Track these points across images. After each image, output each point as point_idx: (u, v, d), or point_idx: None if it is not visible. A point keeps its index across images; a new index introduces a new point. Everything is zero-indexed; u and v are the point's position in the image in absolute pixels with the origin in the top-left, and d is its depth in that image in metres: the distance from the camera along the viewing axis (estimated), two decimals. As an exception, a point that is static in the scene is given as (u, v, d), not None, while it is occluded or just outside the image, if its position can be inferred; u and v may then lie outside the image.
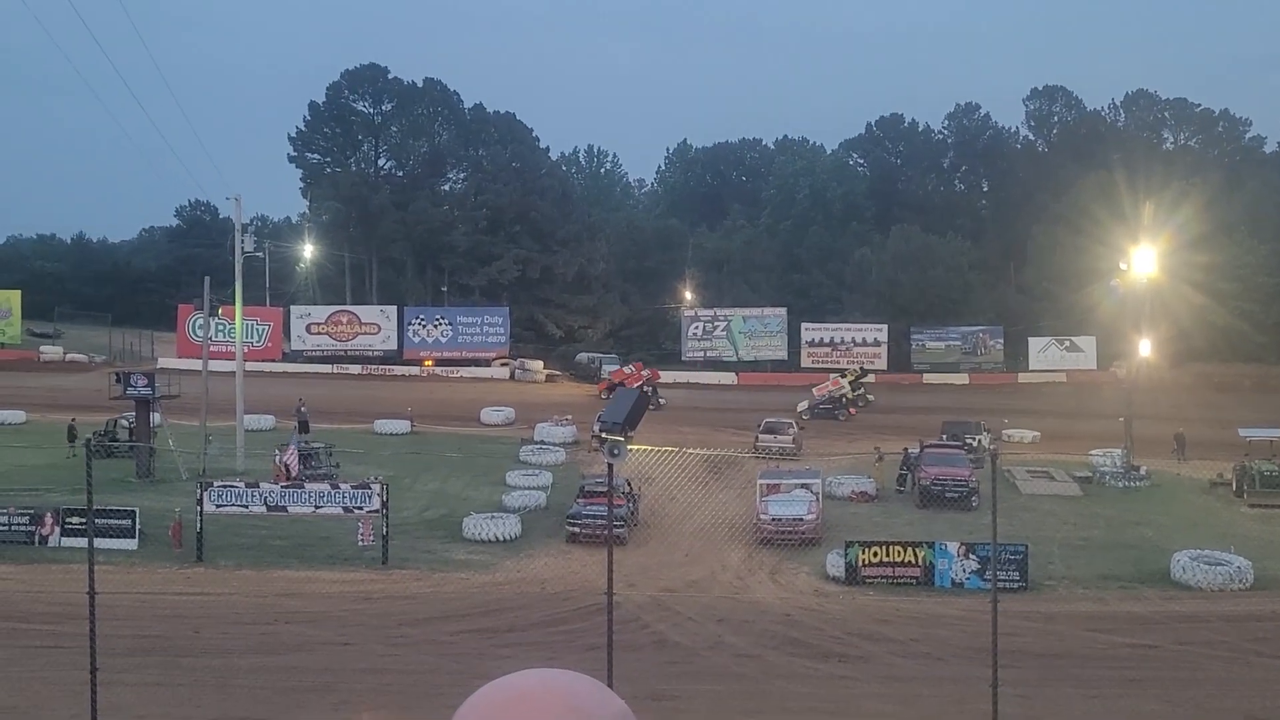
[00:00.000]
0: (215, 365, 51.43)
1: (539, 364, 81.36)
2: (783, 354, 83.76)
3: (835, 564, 29.99)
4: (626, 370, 68.76)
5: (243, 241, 46.59)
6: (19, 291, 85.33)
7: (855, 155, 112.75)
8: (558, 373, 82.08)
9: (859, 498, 40.22)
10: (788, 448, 47.69)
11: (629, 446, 15.17)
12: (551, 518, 36.46)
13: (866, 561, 29.51)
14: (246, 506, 31.28)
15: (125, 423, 46.16)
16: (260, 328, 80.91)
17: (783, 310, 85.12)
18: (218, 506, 31.08)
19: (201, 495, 30.90)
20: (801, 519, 33.74)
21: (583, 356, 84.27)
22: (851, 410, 63.13)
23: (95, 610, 14.86)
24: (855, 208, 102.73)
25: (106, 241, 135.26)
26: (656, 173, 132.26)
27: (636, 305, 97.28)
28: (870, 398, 65.26)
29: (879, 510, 38.94)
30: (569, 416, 55.36)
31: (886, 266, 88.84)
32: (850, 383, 64.88)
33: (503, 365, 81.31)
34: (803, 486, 36.09)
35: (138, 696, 18.75)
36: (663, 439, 45.23)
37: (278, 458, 37.73)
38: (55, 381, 70.12)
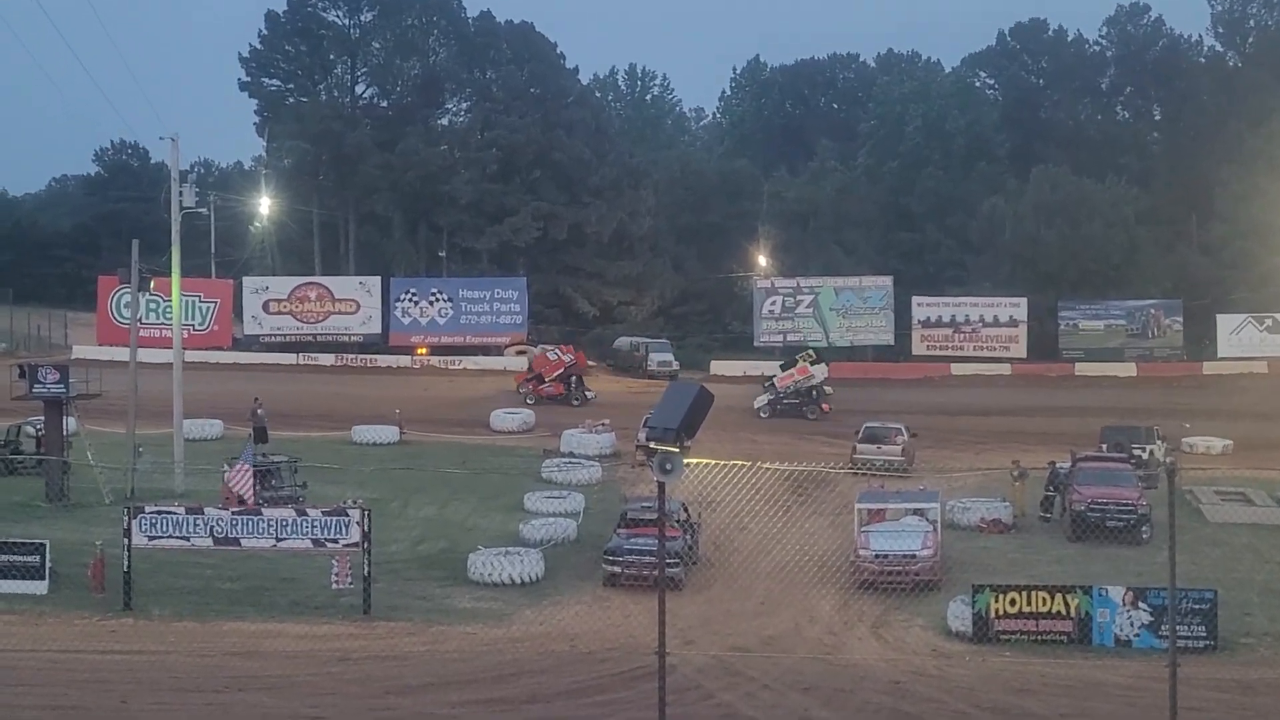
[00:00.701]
0: (146, 355, 51.89)
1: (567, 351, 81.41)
2: (888, 337, 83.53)
3: (959, 615, 29.78)
4: (551, 356, 70.56)
5: (181, 194, 46.94)
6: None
7: (983, 74, 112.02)
8: (591, 363, 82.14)
9: (990, 527, 39.96)
10: (895, 461, 47.46)
11: (686, 460, 15.12)
12: (584, 553, 36.42)
13: (1001, 612, 29.27)
14: (188, 539, 31.47)
15: (32, 430, 46.68)
16: (204, 306, 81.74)
17: (888, 280, 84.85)
18: (151, 539, 31.30)
19: (130, 524, 31.11)
20: (914, 555, 33.49)
21: (623, 342, 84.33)
22: (825, 406, 64.06)
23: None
24: (983, 143, 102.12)
25: (5, 195, 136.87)
26: (720, 100, 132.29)
27: (694, 274, 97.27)
28: (828, 389, 65.85)
29: (1017, 544, 38.62)
30: (606, 421, 55.35)
31: (1025, 221, 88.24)
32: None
33: (519, 353, 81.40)
34: (916, 513, 35.82)
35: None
36: (730, 450, 45.13)
37: (227, 476, 38.03)
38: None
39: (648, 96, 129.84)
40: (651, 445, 15.71)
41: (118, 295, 76.75)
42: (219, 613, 30.38)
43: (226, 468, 39.56)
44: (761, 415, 63.00)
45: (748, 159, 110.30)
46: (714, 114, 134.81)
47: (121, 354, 50.98)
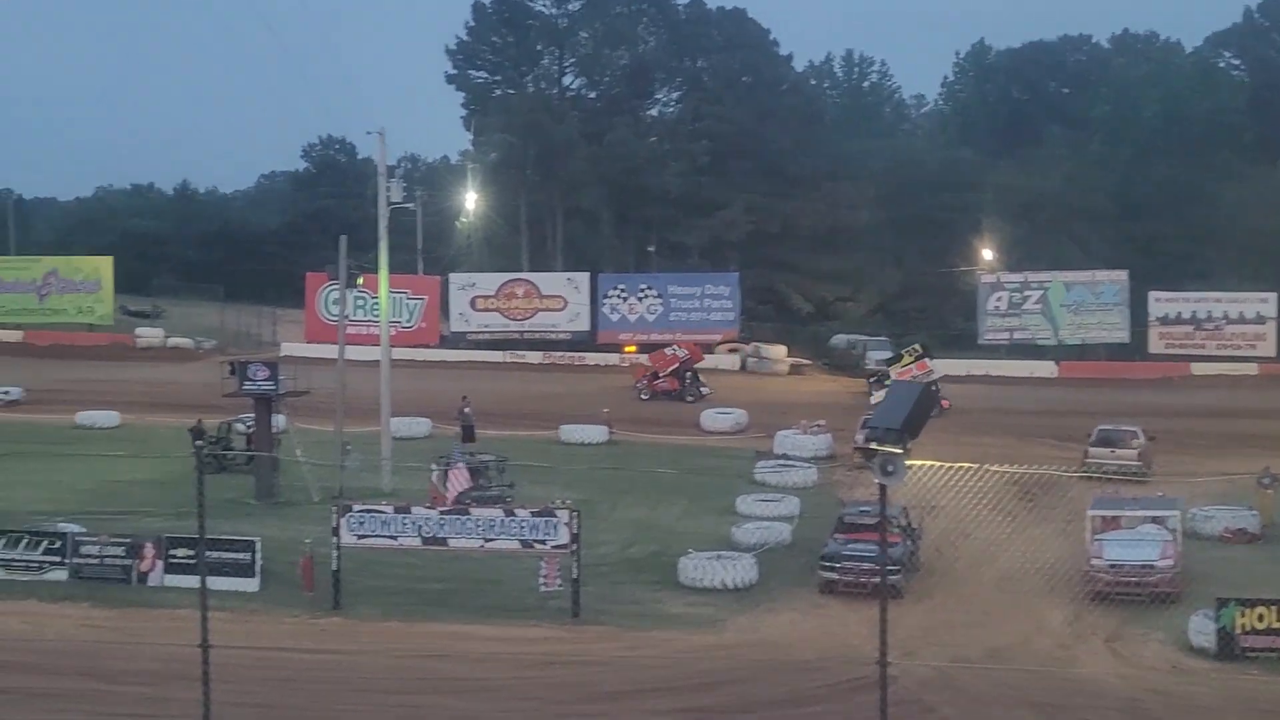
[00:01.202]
0: (354, 352, 53.05)
1: (780, 350, 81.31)
2: (1123, 334, 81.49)
3: (1203, 630, 29.02)
4: (668, 352, 71.17)
5: (388, 189, 47.82)
6: (110, 259, 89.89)
7: (1228, 55, 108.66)
8: (806, 361, 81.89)
9: (1236, 537, 39.07)
10: (1131, 465, 46.36)
11: (908, 462, 14.99)
12: (798, 558, 36.33)
13: (1249, 627, 28.45)
14: (395, 538, 32.19)
15: (241, 427, 48.22)
16: (412, 303, 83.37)
17: (1123, 274, 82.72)
18: (359, 538, 32.10)
19: (338, 523, 31.95)
20: (1152, 565, 32.81)
21: (839, 340, 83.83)
22: (945, 403, 59.70)
23: (209, 670, 15.51)
24: (1228, 129, 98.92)
25: (217, 192, 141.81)
26: (942, 86, 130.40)
27: (913, 269, 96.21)
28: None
29: (1265, 555, 37.60)
30: (822, 422, 55.09)
31: (1276, 212, 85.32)
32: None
33: (730, 351, 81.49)
34: (1154, 521, 35.11)
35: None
36: (953, 452, 44.37)
37: (436, 475, 38.80)
38: (154, 374, 73.88)
39: (865, 83, 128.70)
40: (872, 447, 15.61)
41: (326, 292, 78.68)
42: (426, 614, 31.04)
43: (434, 467, 40.35)
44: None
45: (971, 148, 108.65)
46: (935, 101, 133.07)
47: (329, 351, 52.24)
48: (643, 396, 67.63)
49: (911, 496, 34.54)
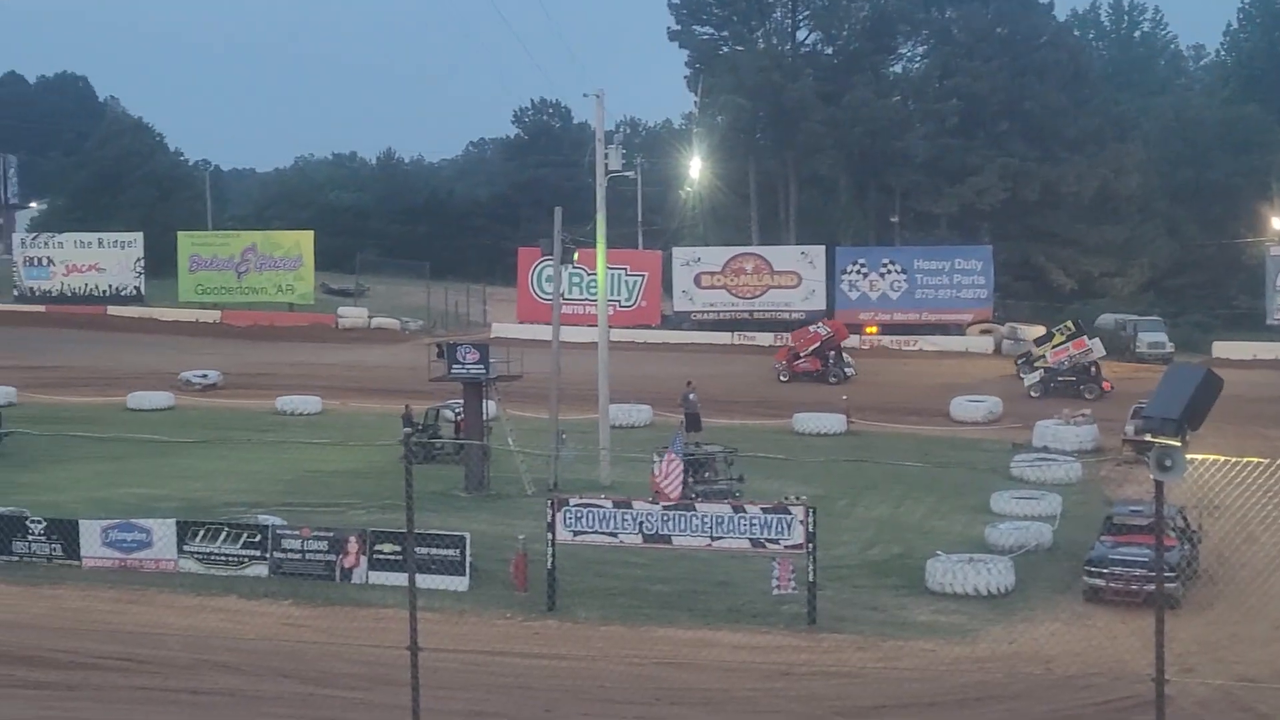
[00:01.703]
0: (570, 333, 53.63)
1: (1038, 331, 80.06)
2: None
3: None
4: (811, 329, 72.33)
5: (606, 156, 48.19)
6: (311, 233, 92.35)
7: None
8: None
9: None
10: None
11: (1187, 456, 14.64)
12: (1060, 563, 35.75)
13: None
14: (615, 535, 32.39)
15: (450, 414, 49.10)
16: (631, 280, 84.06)
17: None
18: (575, 534, 32.38)
19: (554, 518, 32.29)
20: None
21: (1107, 319, 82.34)
22: (1106, 384, 64.50)
23: (418, 674, 15.83)
24: None
25: (422, 162, 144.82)
26: (1224, 35, 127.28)
27: (1191, 240, 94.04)
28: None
29: None
30: (1087, 411, 54.33)
31: None
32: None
33: (984, 332, 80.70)
34: None
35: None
36: (1237, 445, 43.31)
37: (658, 466, 39.00)
38: (357, 356, 75.77)
39: (1136, 34, 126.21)
40: (1145, 438, 15.30)
41: (539, 268, 79.74)
42: (649, 617, 31.19)
43: (656, 458, 40.58)
44: (1033, 395, 63.48)
45: (1258, 104, 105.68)
46: (1216, 52, 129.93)
47: (543, 332, 52.94)
48: (781, 378, 68.58)
49: (1190, 495, 33.74)
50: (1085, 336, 66.56)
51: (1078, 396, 62.95)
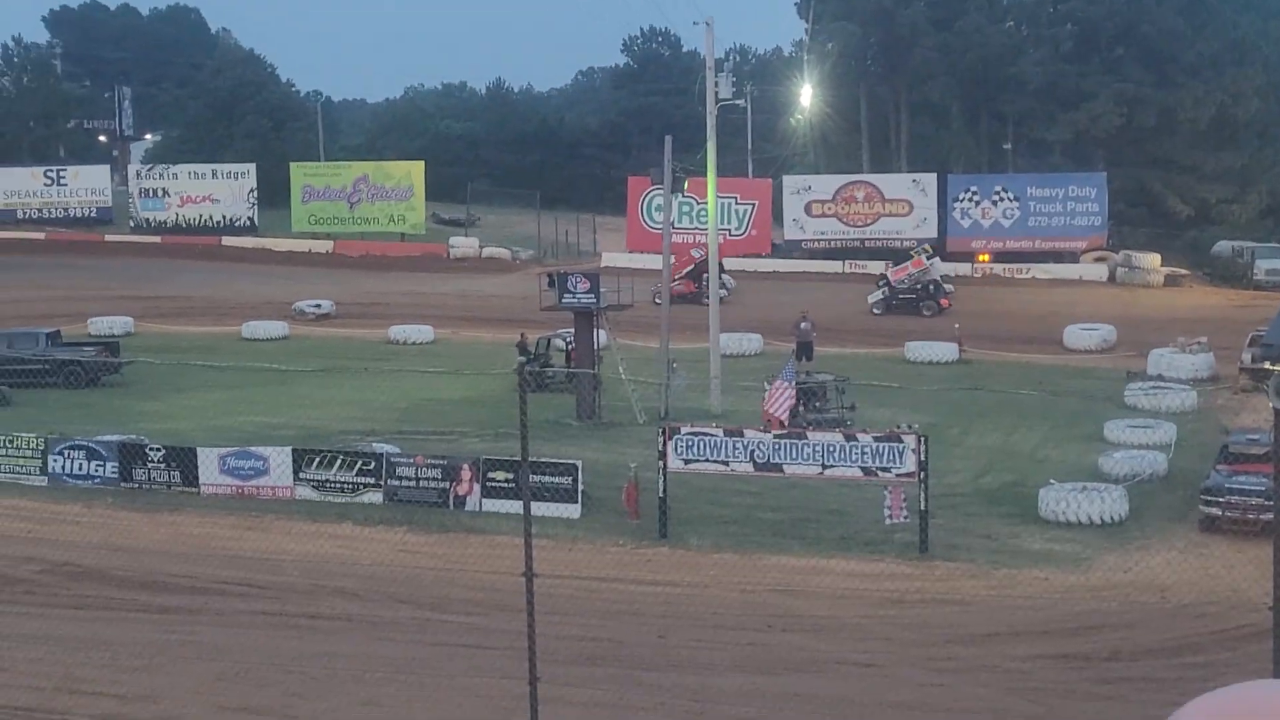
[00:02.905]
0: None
1: (1154, 258, 79.24)
2: None
3: None
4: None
5: (716, 84, 48.06)
6: (421, 163, 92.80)
7: None
8: (1183, 272, 79.62)
9: None
10: None
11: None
12: (1175, 492, 35.43)
13: None
14: (726, 463, 32.53)
15: (561, 344, 49.37)
16: (741, 208, 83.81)
17: None
18: (686, 462, 32.53)
19: (665, 447, 32.44)
20: None
21: (1223, 246, 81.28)
22: (944, 301, 67.46)
23: (534, 600, 16.02)
24: None
25: (532, 91, 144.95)
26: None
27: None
28: (949, 287, 69.92)
29: None
30: (1203, 339, 53.57)
31: None
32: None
33: (1098, 260, 79.87)
34: None
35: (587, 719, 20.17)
36: (1357, 375, 42.80)
37: (769, 395, 39.05)
38: (469, 285, 76.22)
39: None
40: (1265, 366, 15.12)
41: (648, 197, 79.74)
42: (760, 545, 31.30)
43: (767, 386, 40.64)
44: (875, 312, 66.23)
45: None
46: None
47: (653, 261, 53.07)
48: (656, 301, 68.48)
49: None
50: (924, 256, 70.06)
51: (916, 313, 66.25)
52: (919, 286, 68.66)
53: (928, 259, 70.44)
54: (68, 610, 25.85)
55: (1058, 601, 27.31)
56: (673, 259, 69.98)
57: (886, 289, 68.88)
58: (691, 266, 70.15)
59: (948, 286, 70.50)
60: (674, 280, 70.16)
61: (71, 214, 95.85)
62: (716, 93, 47.94)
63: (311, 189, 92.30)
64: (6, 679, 21.73)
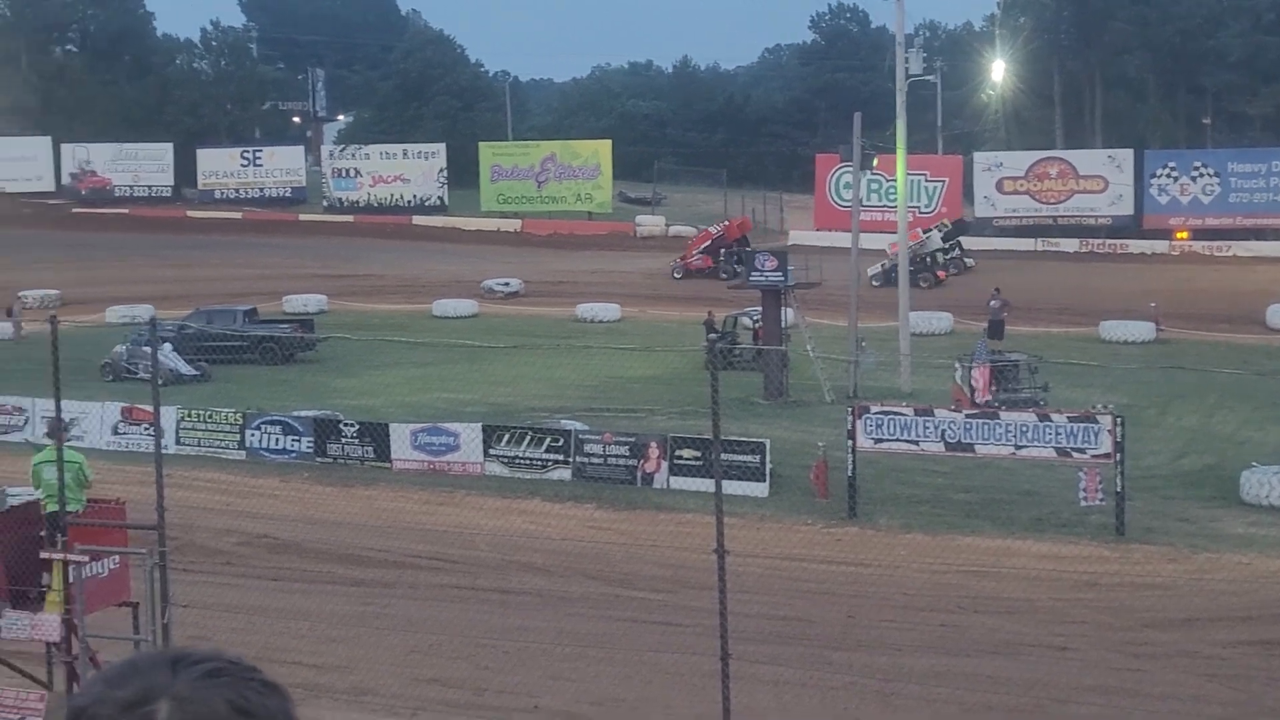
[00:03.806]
0: (868, 240, 53.43)
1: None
2: None
3: None
4: (711, 229, 75.64)
5: (906, 60, 47.72)
6: (609, 142, 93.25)
7: None
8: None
9: None
10: None
11: None
12: (1383, 476, 34.53)
13: None
14: (917, 443, 32.28)
15: (748, 322, 49.35)
16: (931, 186, 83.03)
17: None
18: (876, 442, 32.34)
19: (854, 425, 32.26)
20: None
21: None
22: (940, 274, 67.01)
23: (725, 577, 16.03)
24: None
25: (718, 69, 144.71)
26: None
27: None
28: (969, 261, 70.15)
29: None
30: None
31: None
32: (942, 236, 70.19)
33: (1298, 237, 77.90)
34: None
35: (777, 699, 20.11)
36: None
37: (960, 374, 38.71)
38: (656, 263, 76.40)
39: None
40: None
41: (837, 174, 79.36)
42: (951, 525, 31.00)
43: (958, 366, 40.26)
44: (874, 284, 63.87)
45: None
46: None
47: (841, 239, 52.82)
48: (675, 275, 70.92)
49: None
50: (921, 229, 68.48)
51: (915, 285, 62.89)
52: (917, 259, 66.93)
53: (943, 233, 71.10)
54: (266, 581, 26.40)
55: (1260, 587, 26.70)
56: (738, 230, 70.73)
57: (886, 261, 67.35)
58: (708, 241, 72.24)
59: (968, 261, 71.38)
60: (692, 255, 71.25)
61: (267, 194, 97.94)
62: (906, 69, 47.65)
63: (500, 168, 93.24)
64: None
